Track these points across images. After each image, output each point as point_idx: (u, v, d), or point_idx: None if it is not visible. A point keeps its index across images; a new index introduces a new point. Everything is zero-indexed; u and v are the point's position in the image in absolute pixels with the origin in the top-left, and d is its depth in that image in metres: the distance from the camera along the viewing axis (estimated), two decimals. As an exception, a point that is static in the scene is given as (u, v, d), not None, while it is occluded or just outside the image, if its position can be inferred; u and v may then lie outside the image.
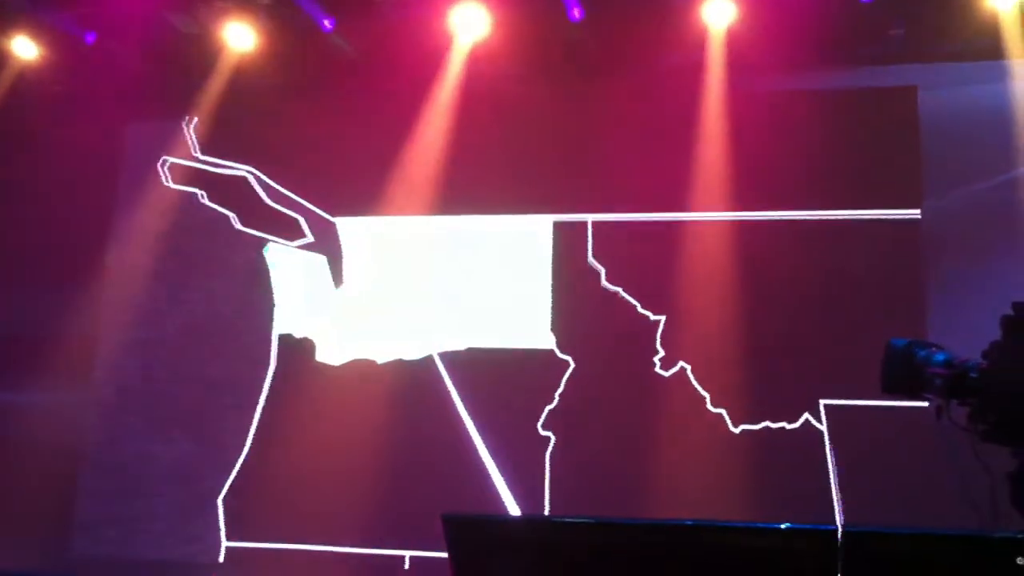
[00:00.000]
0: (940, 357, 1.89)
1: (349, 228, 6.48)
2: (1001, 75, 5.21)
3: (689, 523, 1.89)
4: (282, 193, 6.48)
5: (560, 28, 5.40)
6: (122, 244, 6.31)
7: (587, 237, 6.13)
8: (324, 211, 6.47)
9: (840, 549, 1.82)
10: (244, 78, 5.83)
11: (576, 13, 5.28)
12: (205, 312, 6.31)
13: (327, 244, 6.44)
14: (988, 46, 5.18)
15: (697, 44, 5.46)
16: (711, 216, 5.84)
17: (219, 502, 6.17)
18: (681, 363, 5.84)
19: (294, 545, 5.98)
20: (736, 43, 5.43)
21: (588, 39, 5.45)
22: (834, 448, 5.50)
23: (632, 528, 2.08)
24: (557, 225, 6.22)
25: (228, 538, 6.13)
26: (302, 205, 6.47)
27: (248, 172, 6.50)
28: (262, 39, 5.66)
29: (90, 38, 5.64)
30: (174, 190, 6.33)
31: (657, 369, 5.87)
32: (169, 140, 6.25)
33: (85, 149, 6.01)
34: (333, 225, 6.49)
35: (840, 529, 1.82)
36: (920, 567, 1.80)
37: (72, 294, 5.99)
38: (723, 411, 5.72)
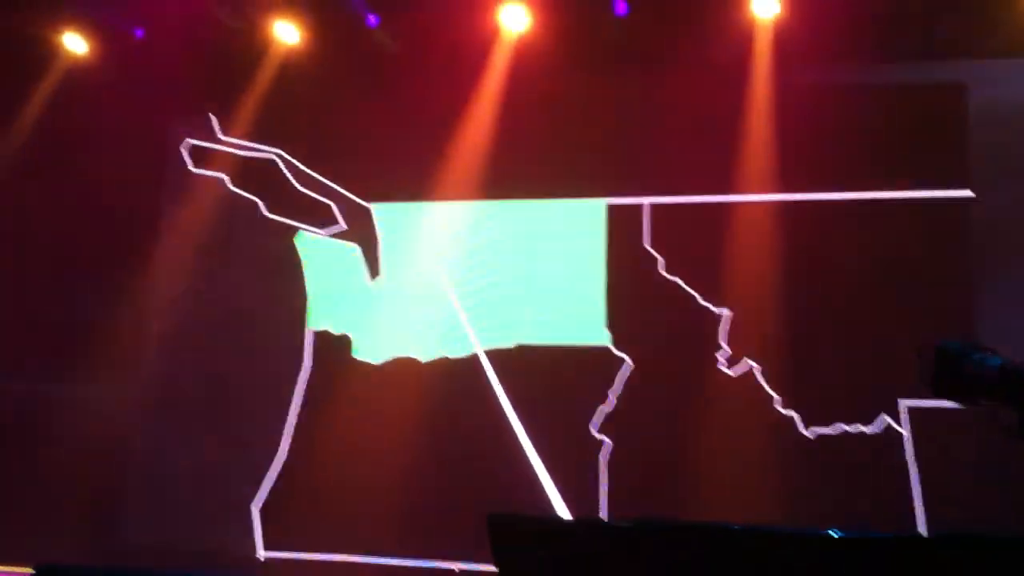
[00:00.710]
0: (995, 361, 1.92)
1: (386, 215, 6.41)
2: None
3: (750, 528, 1.97)
4: (313, 177, 6.48)
5: (606, 23, 5.58)
6: (167, 238, 6.45)
7: (643, 222, 6.02)
8: (358, 196, 6.44)
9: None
10: (289, 73, 6.07)
11: (622, 7, 5.49)
12: (235, 308, 6.31)
13: (362, 232, 6.41)
14: None
15: (744, 38, 5.57)
16: (774, 197, 5.75)
17: (254, 509, 6.15)
18: (747, 360, 5.73)
19: (334, 556, 5.92)
20: (782, 36, 5.54)
21: (634, 33, 5.60)
22: (917, 453, 5.36)
23: (686, 531, 2.18)
24: (611, 209, 6.11)
25: (265, 547, 6.11)
26: (334, 190, 6.45)
27: (276, 155, 6.54)
28: (307, 34, 5.97)
29: (139, 33, 6.03)
30: (220, 185, 6.43)
31: (720, 366, 5.76)
32: (214, 134, 6.47)
33: (133, 144, 6.28)
34: (368, 211, 6.47)
35: (886, 535, 1.90)
36: (966, 571, 1.87)
37: (120, 288, 6.21)
38: (793, 413, 5.60)
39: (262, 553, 6.09)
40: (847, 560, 1.92)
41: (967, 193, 5.51)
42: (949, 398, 2.03)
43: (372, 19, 5.86)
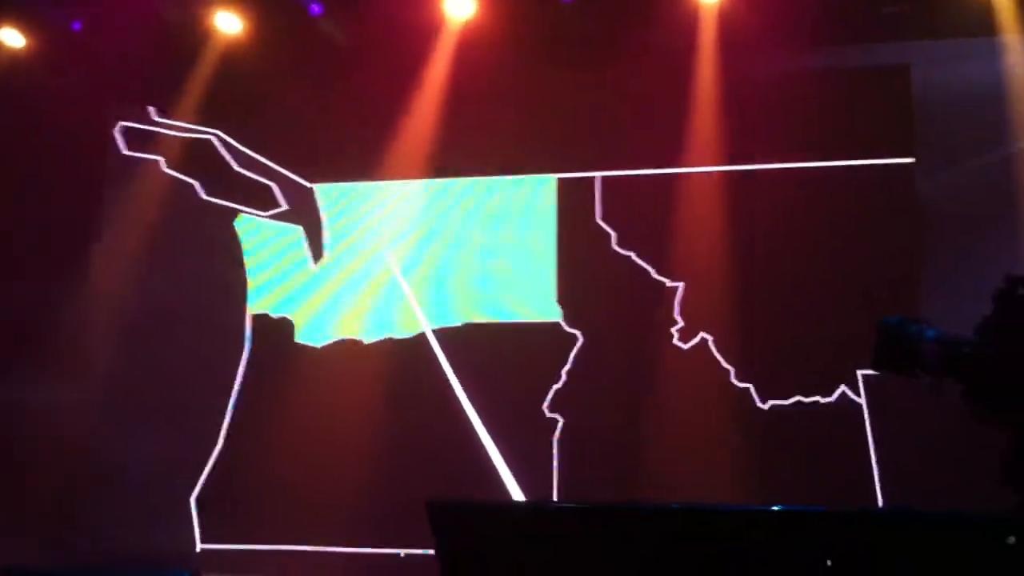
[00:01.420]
0: (931, 333, 2.04)
1: (329, 195, 6.37)
2: (993, 51, 5.49)
3: (678, 507, 2.09)
4: (252, 158, 6.44)
5: (551, 10, 5.71)
6: (109, 230, 6.44)
7: (595, 196, 6.05)
8: (300, 177, 6.42)
9: (831, 530, 2.04)
10: (231, 63, 6.10)
11: None
12: (172, 294, 6.28)
13: (304, 213, 6.38)
14: (981, 22, 5.41)
15: (690, 22, 5.70)
16: (725, 168, 5.84)
17: (192, 501, 6.10)
18: (702, 334, 5.76)
19: (275, 546, 5.88)
20: (727, 21, 5.64)
21: (579, 20, 5.70)
22: (875, 424, 5.45)
23: (623, 513, 2.28)
24: (562, 183, 6.14)
25: (203, 540, 6.06)
26: (275, 171, 6.41)
27: (214, 135, 6.49)
28: (249, 25, 5.99)
29: (76, 26, 6.06)
30: (163, 177, 6.41)
31: (675, 341, 5.78)
32: (157, 126, 6.45)
33: (73, 137, 6.32)
34: (310, 192, 6.44)
35: (828, 510, 2.04)
36: (910, 546, 2.01)
37: (60, 284, 6.26)
38: (750, 386, 5.67)
39: (200, 545, 6.04)
40: (791, 534, 2.06)
41: (909, 160, 5.63)
42: (889, 371, 2.16)
43: (315, 8, 5.93)
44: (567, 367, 5.92)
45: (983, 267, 4.71)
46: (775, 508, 2.12)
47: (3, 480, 5.96)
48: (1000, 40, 5.55)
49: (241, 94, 6.33)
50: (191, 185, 6.52)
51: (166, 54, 6.13)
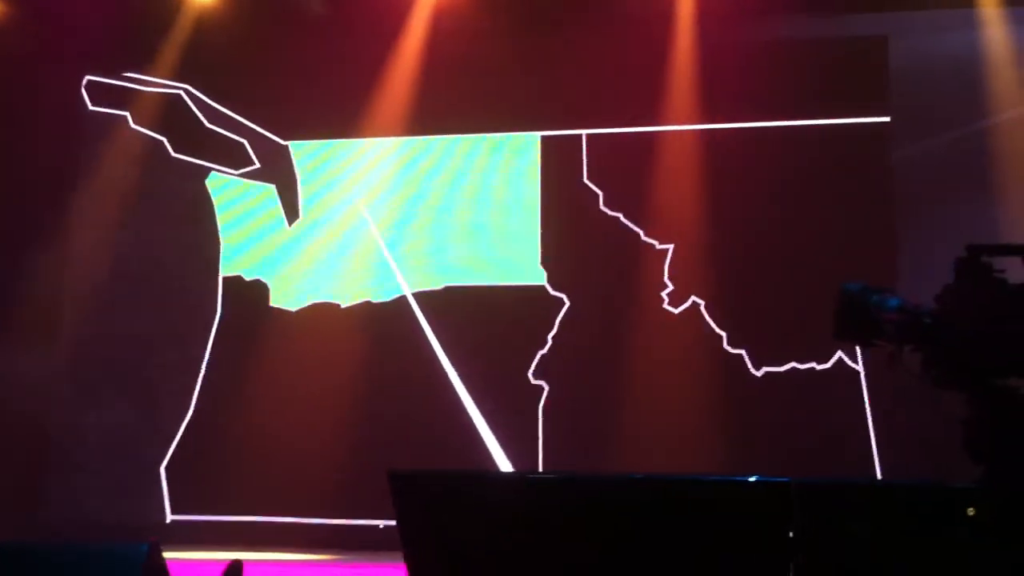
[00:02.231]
0: (893, 302, 2.06)
1: (304, 152, 6.32)
2: (971, 23, 5.59)
3: (638, 477, 2.14)
4: (223, 114, 6.40)
5: None
6: (78, 195, 6.43)
7: (581, 155, 6.00)
8: (273, 133, 6.37)
9: (793, 501, 2.11)
10: (204, 27, 6.15)
11: None
12: (141, 257, 6.32)
13: (277, 171, 6.33)
14: None
15: None
16: (712, 127, 5.87)
17: (162, 471, 6.08)
18: (693, 298, 5.73)
19: (248, 517, 5.90)
20: None
21: None
22: (872, 391, 5.46)
23: (583, 482, 2.35)
24: (546, 141, 6.08)
25: (173, 511, 6.07)
26: (247, 127, 6.36)
27: (184, 90, 6.44)
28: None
29: None
30: (136, 140, 6.39)
31: (666, 306, 5.78)
32: (129, 93, 6.45)
33: (44, 101, 6.34)
34: (285, 149, 6.38)
35: (792, 481, 2.10)
36: (873, 517, 2.08)
37: (33, 253, 6.24)
38: (743, 352, 5.69)
39: (169, 516, 6.05)
40: (755, 505, 2.12)
41: (885, 119, 5.72)
42: (850, 340, 2.20)
43: None
44: (552, 332, 5.89)
45: (958, 238, 4.80)
46: (739, 479, 2.19)
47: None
48: (978, 12, 5.63)
49: (214, 56, 6.31)
50: (160, 143, 6.47)
51: (138, 19, 6.17)
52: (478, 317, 5.96)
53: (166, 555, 2.47)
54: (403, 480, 2.11)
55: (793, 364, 5.68)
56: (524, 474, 1.90)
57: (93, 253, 6.40)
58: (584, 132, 6.08)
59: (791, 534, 2.03)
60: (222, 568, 2.66)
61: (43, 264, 6.33)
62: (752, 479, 2.13)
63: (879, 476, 5.39)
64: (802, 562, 2.01)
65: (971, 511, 1.89)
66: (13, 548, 2.19)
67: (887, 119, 5.77)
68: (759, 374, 5.71)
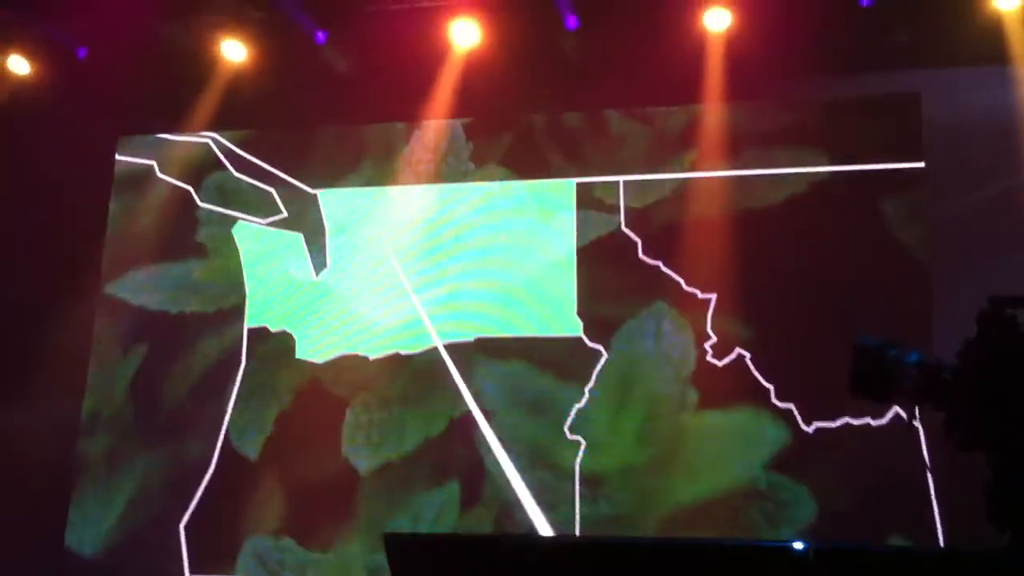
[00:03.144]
0: (913, 357, 2.01)
1: (334, 202, 6.42)
2: (1005, 80, 5.66)
3: (654, 541, 2.10)
4: (250, 162, 6.60)
5: (556, 36, 6.04)
6: (110, 250, 6.70)
7: (619, 201, 6.06)
8: (302, 182, 6.53)
9: (812, 567, 2.06)
10: (236, 90, 6.42)
11: (572, 21, 5.94)
12: (172, 309, 6.51)
13: (305, 220, 6.46)
14: (992, 51, 5.63)
15: (696, 52, 5.90)
16: (747, 173, 5.93)
17: (181, 528, 6.10)
18: (738, 350, 5.68)
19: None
20: (735, 50, 5.86)
21: (585, 46, 6.06)
22: (933, 450, 5.24)
23: (594, 546, 2.31)
24: (581, 188, 6.11)
25: (192, 569, 6.06)
26: (275, 175, 6.52)
27: (210, 138, 6.68)
28: (254, 52, 6.34)
29: (82, 53, 6.46)
30: (166, 200, 6.67)
31: (709, 358, 5.71)
32: (160, 146, 6.74)
33: (78, 164, 6.64)
34: (314, 198, 6.49)
35: (811, 547, 2.05)
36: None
37: (66, 308, 6.51)
38: (792, 406, 5.57)
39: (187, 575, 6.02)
40: (765, 568, 2.07)
41: (919, 164, 5.74)
42: (866, 397, 2.14)
43: (320, 36, 6.25)
44: (590, 385, 5.86)
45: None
46: (756, 543, 2.15)
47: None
48: (1012, 69, 5.69)
49: (243, 110, 6.56)
50: (182, 188, 6.70)
51: (173, 81, 6.47)
52: (512, 369, 5.95)
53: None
54: (399, 543, 2.11)
55: (846, 419, 5.54)
56: (526, 537, 1.87)
57: (127, 308, 6.60)
58: (621, 178, 6.10)
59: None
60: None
61: (75, 315, 6.55)
62: (769, 544, 2.09)
63: (941, 541, 5.20)
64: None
65: (999, 579, 1.82)
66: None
67: (921, 164, 5.78)
68: (810, 429, 5.58)
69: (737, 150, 5.98)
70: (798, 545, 2.00)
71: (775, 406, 5.59)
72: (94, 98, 6.54)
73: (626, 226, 6.06)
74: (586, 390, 5.86)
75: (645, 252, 5.99)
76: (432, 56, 6.17)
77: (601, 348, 5.91)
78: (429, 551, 2.12)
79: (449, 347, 6.08)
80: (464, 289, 6.19)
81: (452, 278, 6.22)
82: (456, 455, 5.91)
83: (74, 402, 6.45)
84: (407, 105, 6.31)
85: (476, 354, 6.03)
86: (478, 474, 5.86)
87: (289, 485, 6.08)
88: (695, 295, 5.86)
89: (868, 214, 5.75)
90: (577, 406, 5.85)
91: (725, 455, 5.62)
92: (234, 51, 6.38)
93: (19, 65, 6.65)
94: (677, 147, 6.09)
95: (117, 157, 6.84)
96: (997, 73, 5.71)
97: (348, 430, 6.09)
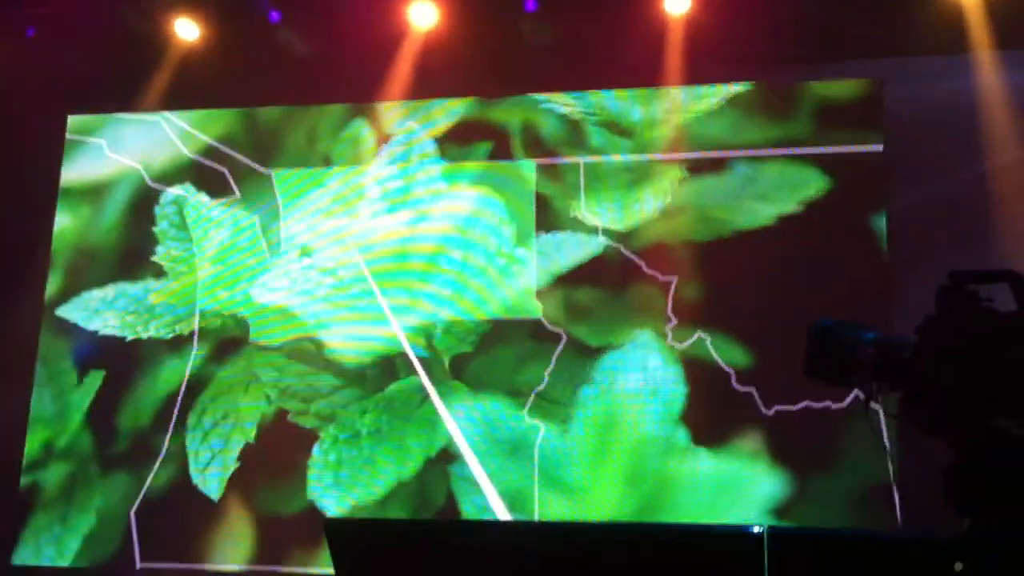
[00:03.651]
0: (870, 335, 1.97)
1: (288, 182, 6.40)
2: (965, 68, 5.74)
3: (607, 525, 2.05)
4: (203, 141, 6.57)
5: (515, 18, 6.05)
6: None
7: (579, 183, 6.06)
8: (256, 163, 6.49)
9: (766, 551, 2.01)
10: (189, 69, 6.40)
11: (531, 3, 5.98)
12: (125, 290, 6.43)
13: (259, 201, 6.43)
14: (953, 39, 5.68)
15: (656, 35, 5.95)
16: (706, 155, 5.99)
17: (132, 515, 6.10)
18: (699, 333, 5.76)
19: (223, 567, 5.93)
20: (695, 36, 5.89)
21: (543, 29, 6.07)
22: (892, 432, 5.18)
23: (547, 530, 2.27)
24: (541, 168, 6.13)
25: (143, 558, 6.06)
26: (228, 155, 6.50)
27: (162, 117, 6.62)
28: (208, 31, 6.30)
29: (30, 32, 6.37)
30: (111, 168, 6.58)
31: (670, 341, 5.83)
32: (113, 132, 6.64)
33: (28, 145, 6.63)
34: (268, 178, 6.48)
35: (765, 530, 2.01)
36: (851, 570, 1.98)
37: (12, 295, 6.45)
38: (752, 390, 5.64)
39: (139, 564, 6.03)
40: (719, 551, 2.03)
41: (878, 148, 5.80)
42: (822, 379, 2.08)
43: (274, 15, 6.23)
44: (550, 368, 5.86)
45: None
46: (708, 526, 2.11)
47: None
48: (973, 56, 5.76)
49: (196, 91, 6.53)
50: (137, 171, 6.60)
51: (124, 60, 6.42)
52: (472, 352, 5.97)
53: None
54: (339, 528, 2.05)
55: (806, 403, 5.55)
56: (471, 522, 1.84)
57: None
58: (581, 160, 6.07)
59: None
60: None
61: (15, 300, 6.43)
62: (722, 527, 2.04)
63: (900, 525, 5.28)
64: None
65: (959, 566, 1.78)
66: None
67: (880, 148, 5.84)
68: (770, 413, 5.59)
69: (691, 134, 6.03)
70: (755, 528, 1.94)
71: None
72: (43, 77, 6.49)
73: (585, 208, 6.05)
74: (545, 374, 5.86)
75: (605, 234, 6.01)
76: (390, 37, 6.17)
77: (561, 331, 5.92)
78: (369, 535, 2.06)
79: (407, 329, 6.09)
80: (422, 270, 6.20)
81: (411, 259, 6.22)
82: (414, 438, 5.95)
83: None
84: (363, 86, 6.33)
85: (436, 335, 6.07)
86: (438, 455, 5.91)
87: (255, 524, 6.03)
88: (656, 277, 5.81)
89: (828, 197, 5.81)
90: (537, 388, 5.92)
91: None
92: (187, 30, 6.34)
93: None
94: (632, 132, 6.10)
95: (67, 136, 6.74)
96: (959, 61, 5.80)
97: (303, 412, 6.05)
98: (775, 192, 5.84)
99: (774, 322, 5.48)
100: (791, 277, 5.67)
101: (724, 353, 5.68)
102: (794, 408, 5.53)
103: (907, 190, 5.75)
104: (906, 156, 5.76)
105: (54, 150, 6.67)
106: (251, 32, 6.30)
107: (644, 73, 6.05)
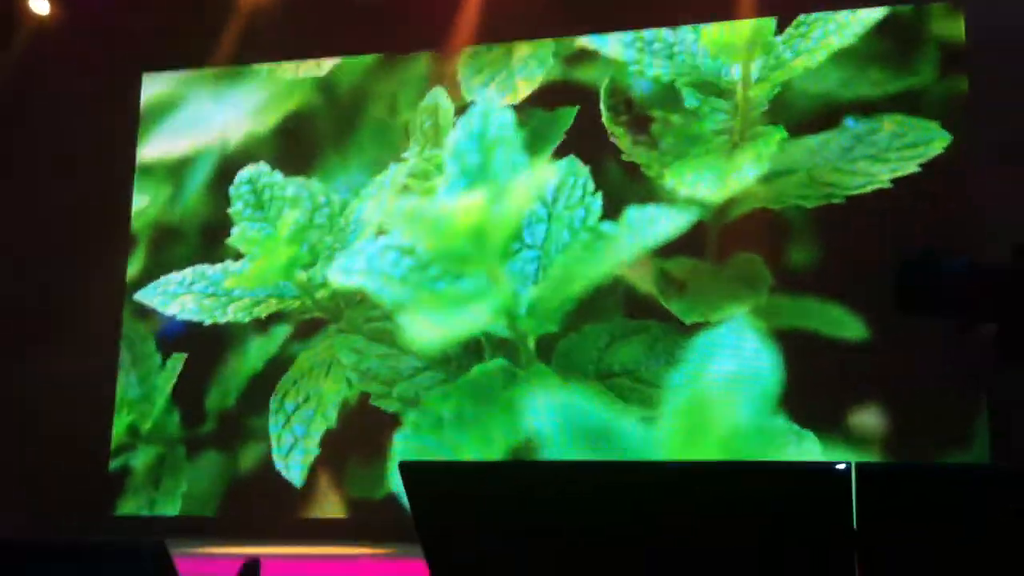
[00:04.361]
0: (962, 263, 1.97)
1: (365, 153, 6.71)
2: None
3: (684, 464, 2.12)
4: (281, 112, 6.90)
5: None
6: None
7: (672, 149, 6.14)
8: (334, 134, 6.86)
9: (854, 487, 2.07)
10: (260, 22, 6.64)
11: None
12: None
13: (336, 177, 6.73)
14: None
15: None
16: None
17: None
18: (806, 305, 5.83)
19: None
20: None
21: None
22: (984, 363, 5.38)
23: (621, 471, 2.36)
24: (629, 133, 6.22)
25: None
26: (305, 128, 6.82)
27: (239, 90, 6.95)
28: None
29: None
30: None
31: (769, 317, 5.89)
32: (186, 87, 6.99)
33: (102, 102, 6.83)
34: (345, 151, 6.77)
35: (852, 466, 2.06)
36: (938, 502, 2.02)
37: (97, 256, 6.75)
38: (869, 365, 5.58)
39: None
40: (807, 489, 2.10)
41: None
42: (914, 310, 2.10)
43: None
44: (639, 348, 6.03)
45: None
46: (796, 464, 2.17)
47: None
48: None
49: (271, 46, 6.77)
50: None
51: (190, 15, 6.69)
52: (555, 332, 6.16)
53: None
54: (416, 471, 2.18)
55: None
56: (545, 464, 1.91)
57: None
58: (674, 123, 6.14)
59: (854, 524, 2.00)
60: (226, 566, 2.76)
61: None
62: (808, 463, 2.11)
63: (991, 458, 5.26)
64: (868, 553, 1.97)
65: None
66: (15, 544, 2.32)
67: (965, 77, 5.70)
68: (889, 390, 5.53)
69: (795, 91, 6.01)
70: (840, 465, 1.98)
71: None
72: (116, 34, 6.73)
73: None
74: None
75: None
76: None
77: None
78: (445, 478, 2.19)
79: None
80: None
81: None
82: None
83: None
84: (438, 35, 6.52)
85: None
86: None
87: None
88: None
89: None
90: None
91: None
92: None
93: (39, 5, 6.85)
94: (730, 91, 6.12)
95: (143, 106, 7.06)
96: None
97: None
98: (892, 152, 5.69)
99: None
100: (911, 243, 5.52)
101: (836, 327, 5.58)
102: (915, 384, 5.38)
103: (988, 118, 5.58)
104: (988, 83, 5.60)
105: (130, 113, 7.00)
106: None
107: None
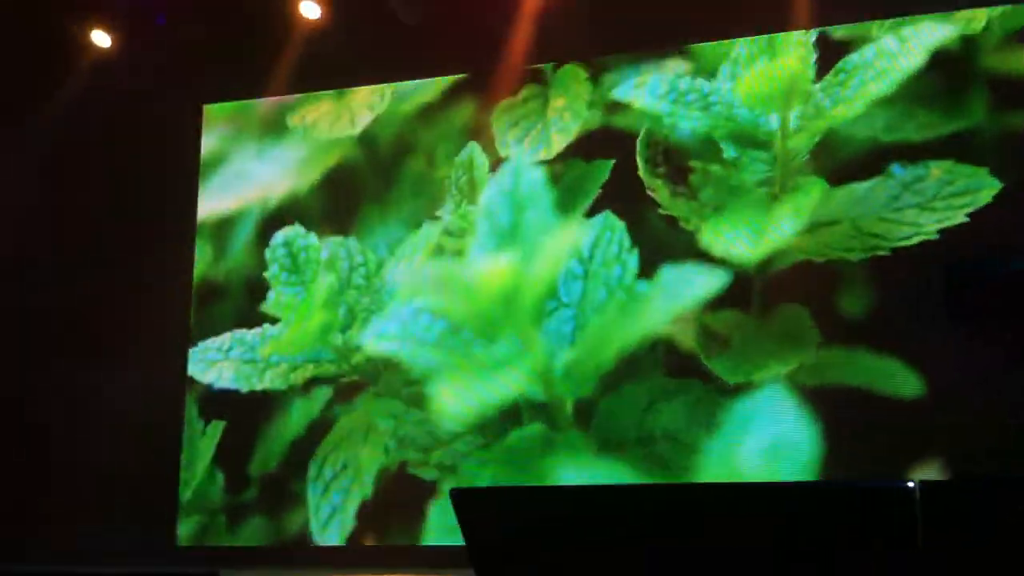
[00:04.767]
0: (1018, 266, 2.00)
1: (400, 212, 6.93)
2: None
3: (745, 485, 2.16)
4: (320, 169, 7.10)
5: None
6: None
7: (710, 202, 6.22)
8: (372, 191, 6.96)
9: (919, 504, 2.11)
10: (315, 49, 6.86)
11: None
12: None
13: (371, 236, 6.90)
14: None
15: None
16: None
17: None
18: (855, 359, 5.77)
19: None
20: None
21: None
22: None
23: (676, 491, 2.41)
24: (668, 186, 6.31)
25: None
26: (343, 185, 7.04)
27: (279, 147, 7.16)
28: (330, 11, 6.78)
29: (160, 20, 6.96)
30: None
31: (810, 376, 5.89)
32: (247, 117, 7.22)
33: (165, 132, 7.16)
34: (380, 210, 6.96)
35: (918, 484, 2.10)
36: (1011, 519, 2.06)
37: (161, 276, 7.03)
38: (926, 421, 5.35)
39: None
40: (870, 508, 2.14)
41: None
42: (969, 319, 2.14)
43: None
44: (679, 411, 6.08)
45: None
46: (857, 483, 2.21)
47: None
48: None
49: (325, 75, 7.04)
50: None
51: (250, 44, 6.91)
52: (592, 396, 6.22)
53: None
54: (467, 497, 2.24)
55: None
56: (592, 488, 1.94)
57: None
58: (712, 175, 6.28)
59: (919, 541, 2.04)
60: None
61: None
62: (873, 481, 2.15)
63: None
64: (934, 570, 2.01)
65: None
66: None
67: None
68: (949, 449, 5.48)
69: (838, 138, 6.05)
70: (909, 483, 2.04)
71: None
72: (177, 65, 7.05)
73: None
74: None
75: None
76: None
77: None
78: (496, 503, 2.25)
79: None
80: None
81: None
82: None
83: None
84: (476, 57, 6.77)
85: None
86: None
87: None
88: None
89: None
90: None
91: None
92: (310, 10, 6.83)
93: (100, 38, 7.18)
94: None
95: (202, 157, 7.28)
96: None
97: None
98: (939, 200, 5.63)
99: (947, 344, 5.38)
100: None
101: (887, 384, 5.49)
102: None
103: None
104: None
105: (189, 150, 7.27)
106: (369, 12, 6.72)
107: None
